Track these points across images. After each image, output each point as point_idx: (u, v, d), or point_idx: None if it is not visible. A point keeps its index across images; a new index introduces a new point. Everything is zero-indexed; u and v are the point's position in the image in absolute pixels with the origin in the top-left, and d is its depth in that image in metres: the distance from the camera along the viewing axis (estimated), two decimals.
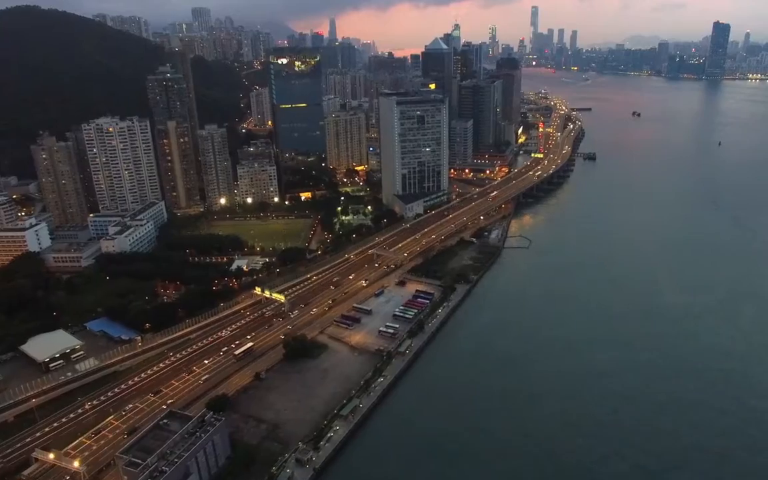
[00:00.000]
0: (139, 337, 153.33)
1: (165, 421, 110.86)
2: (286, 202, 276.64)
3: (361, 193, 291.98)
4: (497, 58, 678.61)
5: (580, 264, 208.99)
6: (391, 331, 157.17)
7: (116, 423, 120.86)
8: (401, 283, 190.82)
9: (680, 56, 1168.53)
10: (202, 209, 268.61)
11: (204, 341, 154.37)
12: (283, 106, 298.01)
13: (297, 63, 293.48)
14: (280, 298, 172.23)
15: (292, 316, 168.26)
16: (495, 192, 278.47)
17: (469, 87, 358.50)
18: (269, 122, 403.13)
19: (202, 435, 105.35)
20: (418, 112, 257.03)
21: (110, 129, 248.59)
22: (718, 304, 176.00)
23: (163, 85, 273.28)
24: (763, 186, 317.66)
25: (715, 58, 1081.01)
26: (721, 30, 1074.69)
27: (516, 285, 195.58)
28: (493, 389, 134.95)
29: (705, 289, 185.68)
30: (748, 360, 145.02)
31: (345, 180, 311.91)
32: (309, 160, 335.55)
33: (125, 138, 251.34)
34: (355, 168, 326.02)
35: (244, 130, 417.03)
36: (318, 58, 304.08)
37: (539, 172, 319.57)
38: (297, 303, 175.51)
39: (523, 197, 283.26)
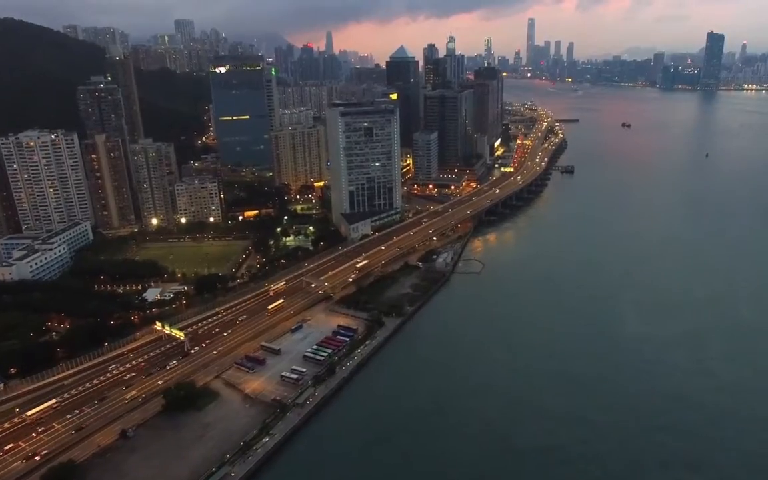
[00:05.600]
0: (0, 385, 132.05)
1: None
2: (229, 222, 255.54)
3: (312, 212, 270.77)
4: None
5: (535, 291, 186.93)
6: (295, 376, 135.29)
7: None
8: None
9: (675, 67, 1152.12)
10: (136, 229, 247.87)
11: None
12: (223, 118, 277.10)
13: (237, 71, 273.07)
14: (180, 334, 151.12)
15: (179, 359, 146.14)
16: (449, 210, 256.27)
17: (434, 97, 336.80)
18: None
19: None
20: (366, 124, 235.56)
21: (31, 143, 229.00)
22: (683, 336, 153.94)
23: (95, 96, 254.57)
24: (747, 199, 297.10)
25: (709, 69, 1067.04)
26: (715, 40, 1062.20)
27: (457, 317, 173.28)
28: (401, 449, 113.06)
29: (671, 317, 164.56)
30: (713, 412, 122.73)
31: (298, 197, 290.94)
32: (268, 175, 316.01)
33: (48, 153, 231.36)
34: (314, 184, 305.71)
35: (200, 144, 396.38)
36: (260, 67, 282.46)
37: (499, 190, 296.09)
38: (199, 340, 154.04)
39: (485, 215, 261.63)
